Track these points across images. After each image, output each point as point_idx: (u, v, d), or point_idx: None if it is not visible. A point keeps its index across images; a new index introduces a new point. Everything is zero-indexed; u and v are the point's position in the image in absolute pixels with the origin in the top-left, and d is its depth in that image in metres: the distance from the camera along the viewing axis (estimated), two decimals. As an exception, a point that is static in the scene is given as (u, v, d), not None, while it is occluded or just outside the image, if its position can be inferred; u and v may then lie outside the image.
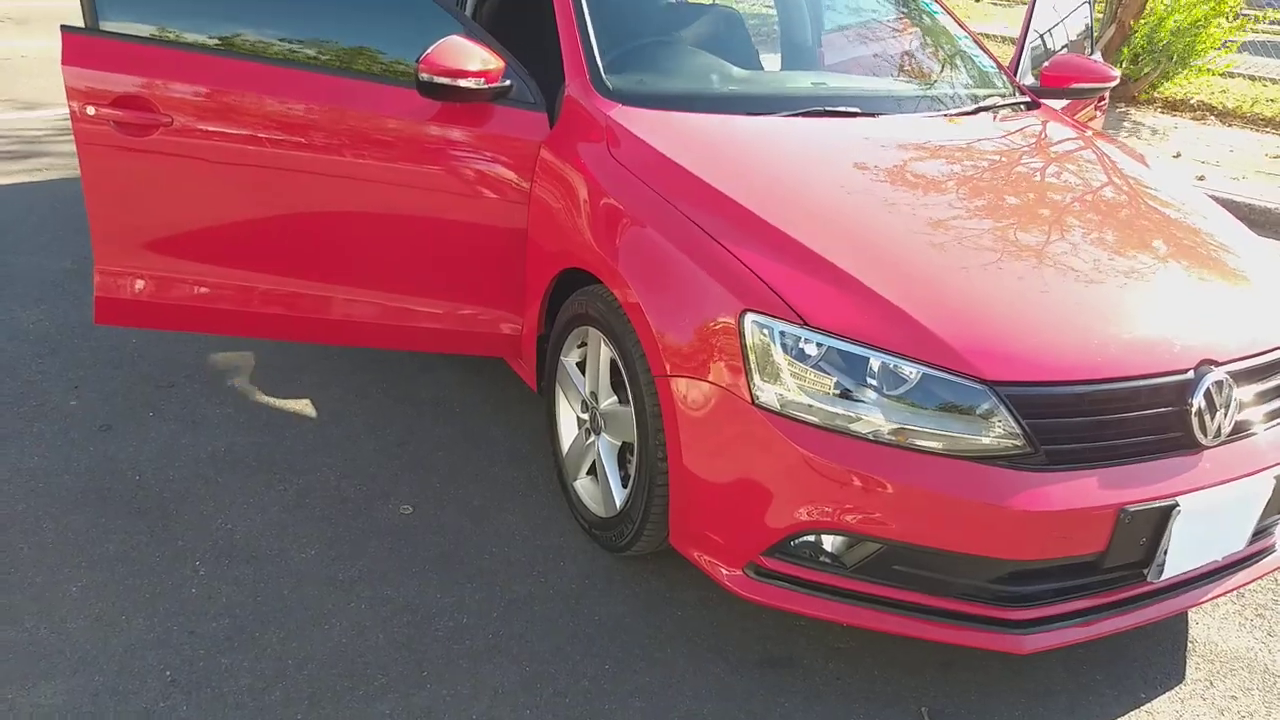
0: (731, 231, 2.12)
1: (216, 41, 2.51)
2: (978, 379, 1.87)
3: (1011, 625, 1.97)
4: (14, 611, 2.14)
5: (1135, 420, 1.97)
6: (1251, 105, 8.71)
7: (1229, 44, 8.56)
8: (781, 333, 1.94)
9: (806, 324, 1.93)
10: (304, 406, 3.06)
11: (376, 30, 2.60)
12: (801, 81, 3.02)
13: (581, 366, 2.54)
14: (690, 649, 2.20)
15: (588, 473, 2.55)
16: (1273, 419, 2.15)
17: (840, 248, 2.08)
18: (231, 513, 2.53)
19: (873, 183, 2.40)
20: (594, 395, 2.46)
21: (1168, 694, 2.20)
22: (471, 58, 2.47)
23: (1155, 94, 8.77)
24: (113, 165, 2.51)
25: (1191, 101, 8.75)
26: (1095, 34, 8.92)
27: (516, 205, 2.66)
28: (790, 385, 1.93)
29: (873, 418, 1.89)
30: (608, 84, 2.63)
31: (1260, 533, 2.25)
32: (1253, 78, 9.99)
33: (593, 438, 2.49)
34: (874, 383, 1.90)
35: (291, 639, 2.13)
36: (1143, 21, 8.36)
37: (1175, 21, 8.29)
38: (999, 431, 1.88)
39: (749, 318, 1.96)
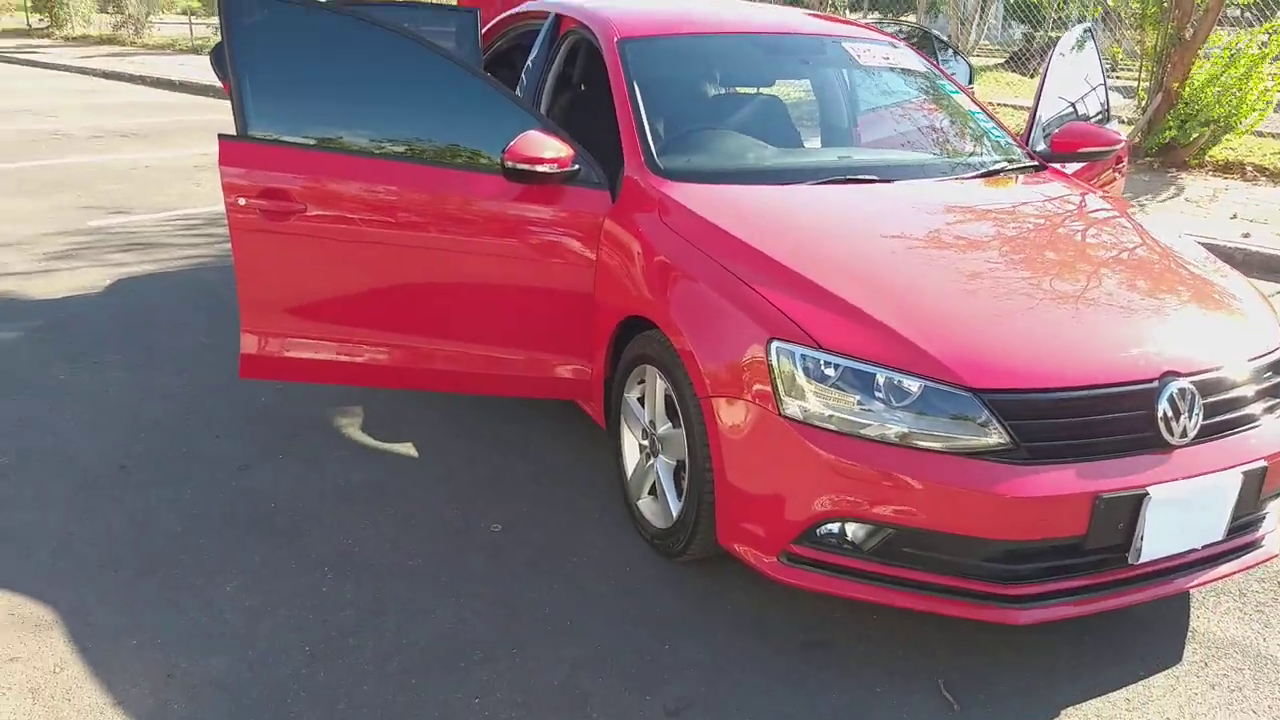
0: (760, 277, 2.56)
1: (339, 142, 3.08)
2: (966, 388, 2.26)
3: (1008, 600, 2.31)
4: (180, 605, 2.62)
5: (1106, 421, 2.32)
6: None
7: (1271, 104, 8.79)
8: (802, 355, 2.36)
9: (821, 347, 2.35)
10: (408, 449, 3.55)
11: (467, 129, 3.14)
12: (829, 156, 3.49)
13: (641, 401, 2.97)
14: (738, 635, 2.57)
15: (649, 492, 2.97)
16: (1241, 423, 2.47)
17: (850, 285, 2.50)
18: (352, 533, 3.00)
19: (881, 233, 2.83)
20: (652, 423, 2.89)
21: (1164, 672, 2.49)
22: (547, 147, 2.99)
23: (1206, 158, 9.01)
24: (258, 245, 3.07)
25: (1243, 164, 8.97)
26: (1143, 103, 9.25)
27: (585, 269, 3.14)
28: (810, 398, 2.34)
29: (879, 423, 2.29)
30: (659, 164, 3.12)
31: (1243, 527, 2.55)
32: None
33: (652, 460, 2.91)
34: (880, 394, 2.30)
35: (406, 625, 2.57)
36: (1186, 86, 8.68)
37: (1219, 85, 8.59)
38: (986, 432, 2.25)
39: (774, 344, 2.39)
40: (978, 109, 3.82)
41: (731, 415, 2.48)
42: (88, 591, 2.67)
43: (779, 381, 2.37)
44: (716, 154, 3.35)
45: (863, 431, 2.29)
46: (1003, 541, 2.26)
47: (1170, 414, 2.34)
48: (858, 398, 2.31)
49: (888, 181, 3.20)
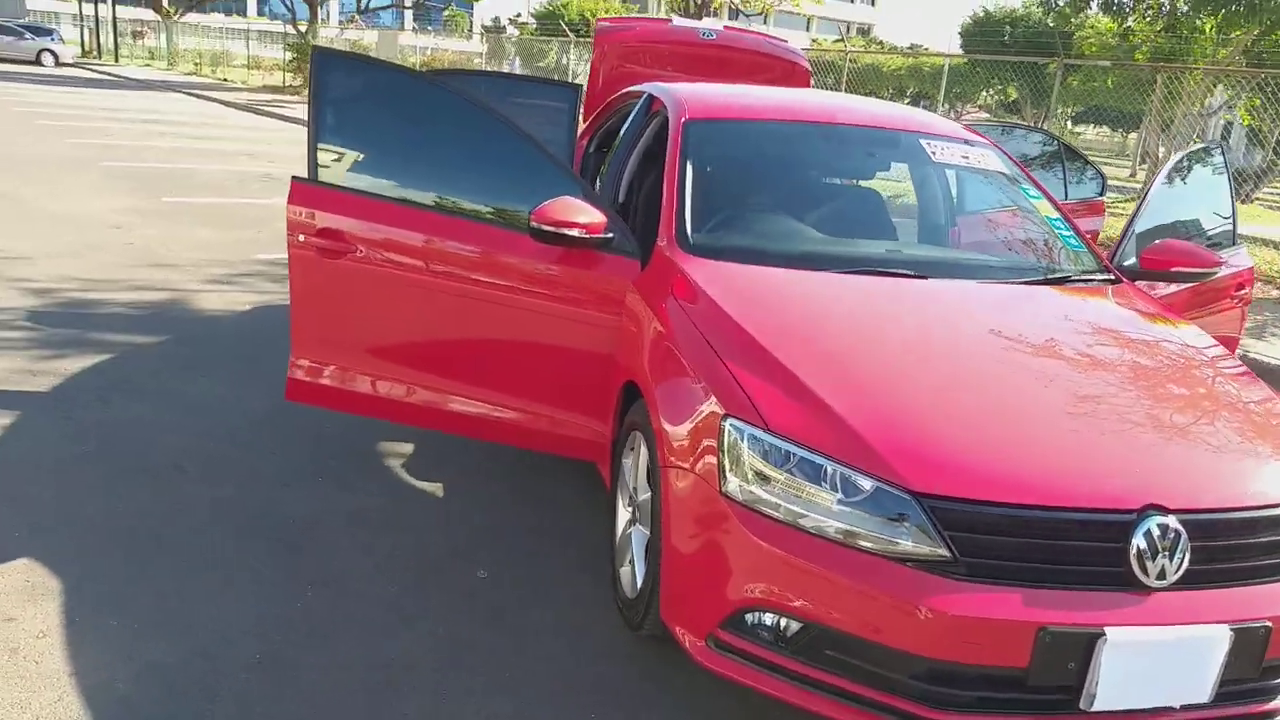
0: (736, 354, 2.54)
1: (393, 192, 3.30)
2: (906, 490, 2.14)
3: (931, 724, 2.14)
4: (163, 595, 2.81)
5: (1067, 549, 2.13)
6: None
7: None
8: (751, 436, 2.31)
9: (769, 429, 2.29)
10: (435, 487, 3.68)
11: (512, 190, 3.30)
12: (872, 248, 3.41)
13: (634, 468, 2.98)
14: (673, 713, 2.50)
15: (629, 561, 2.95)
16: (1242, 576, 2.21)
17: (823, 374, 2.43)
18: (347, 557, 3.13)
19: (883, 327, 2.75)
20: (635, 490, 2.89)
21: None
22: (579, 213, 3.09)
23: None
24: (312, 280, 3.32)
25: None
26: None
27: (608, 334, 3.21)
28: (751, 480, 2.28)
29: (816, 514, 2.20)
30: (690, 239, 3.16)
31: (1247, 694, 2.26)
32: None
33: (632, 528, 2.90)
34: (821, 485, 2.21)
35: (353, 649, 2.66)
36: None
37: None
38: (920, 538, 2.12)
39: (728, 421, 2.35)
40: (1059, 217, 3.64)
41: (680, 486, 2.45)
42: (98, 570, 2.91)
43: (725, 458, 2.33)
44: (750, 234, 3.35)
45: (799, 521, 2.21)
46: (929, 659, 2.11)
47: (1146, 551, 2.13)
48: (798, 486, 2.23)
49: (922, 278, 3.10)
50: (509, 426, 3.40)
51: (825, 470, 2.22)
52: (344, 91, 3.37)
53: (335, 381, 3.43)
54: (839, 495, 2.20)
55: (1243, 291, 4.28)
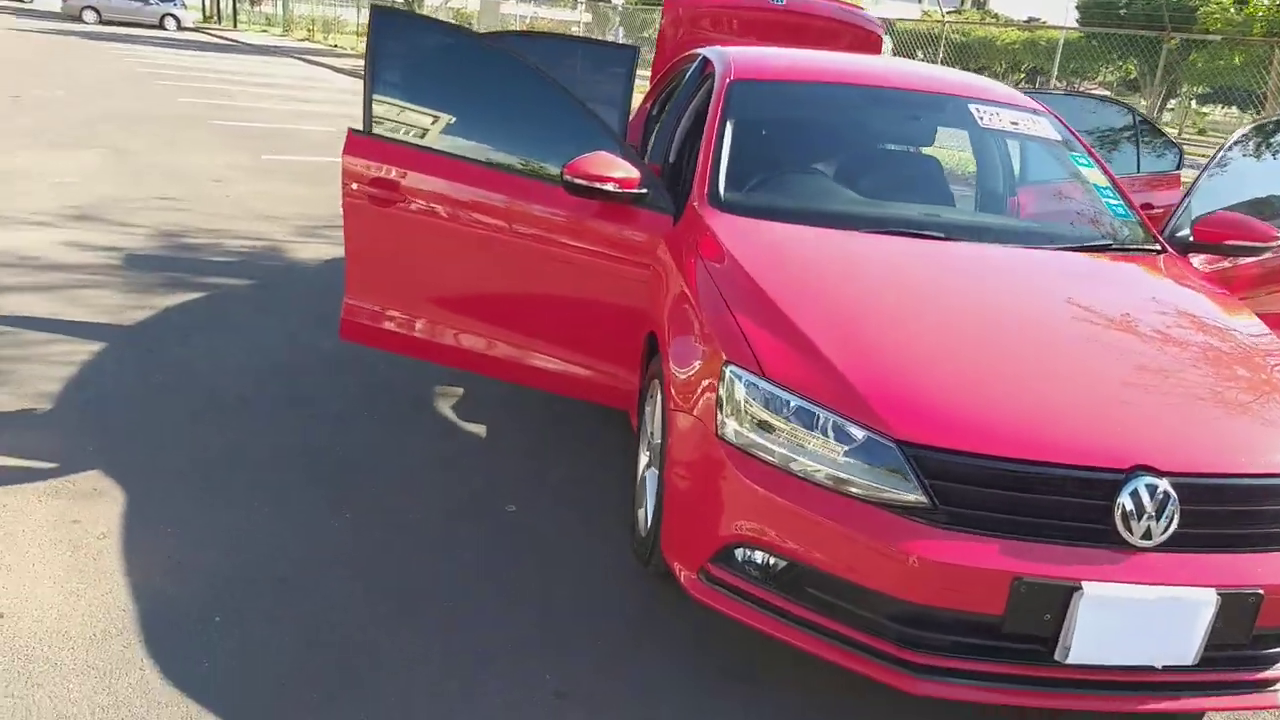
0: (745, 306, 2.61)
1: (442, 146, 3.45)
2: (890, 437, 2.20)
3: (908, 666, 2.20)
4: (214, 510, 3.05)
5: (1051, 504, 2.16)
6: None
7: None
8: (748, 382, 2.39)
9: (765, 376, 2.37)
10: (479, 429, 3.86)
11: (555, 146, 3.40)
12: (907, 210, 3.41)
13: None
14: (668, 648, 2.63)
15: (645, 502, 3.06)
16: (1238, 543, 2.20)
17: (826, 326, 2.49)
18: (384, 489, 3.33)
19: (897, 284, 2.78)
20: (652, 435, 3.00)
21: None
22: (614, 167, 3.19)
23: None
24: (364, 227, 3.50)
25: None
26: None
27: (639, 286, 3.31)
28: (745, 424, 2.36)
29: (805, 459, 2.27)
30: (721, 196, 3.23)
31: (1240, 661, 2.26)
32: None
33: (648, 472, 3.01)
34: (811, 431, 2.28)
35: (374, 568, 2.85)
36: None
37: None
38: (902, 485, 2.18)
39: (728, 368, 2.44)
40: (1109, 186, 3.58)
41: (682, 429, 2.55)
42: (159, 486, 3.17)
43: (723, 403, 2.41)
44: (783, 193, 3.39)
45: (789, 465, 2.29)
46: (905, 602, 2.17)
47: (1132, 511, 2.14)
48: (790, 431, 2.30)
49: (951, 240, 3.11)
50: (546, 373, 3.54)
51: (817, 418, 2.29)
52: (399, 48, 3.52)
53: (384, 324, 3.62)
54: (829, 442, 2.26)
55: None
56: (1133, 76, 28.48)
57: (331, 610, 2.63)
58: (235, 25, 39.31)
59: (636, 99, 5.26)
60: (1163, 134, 5.13)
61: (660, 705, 2.41)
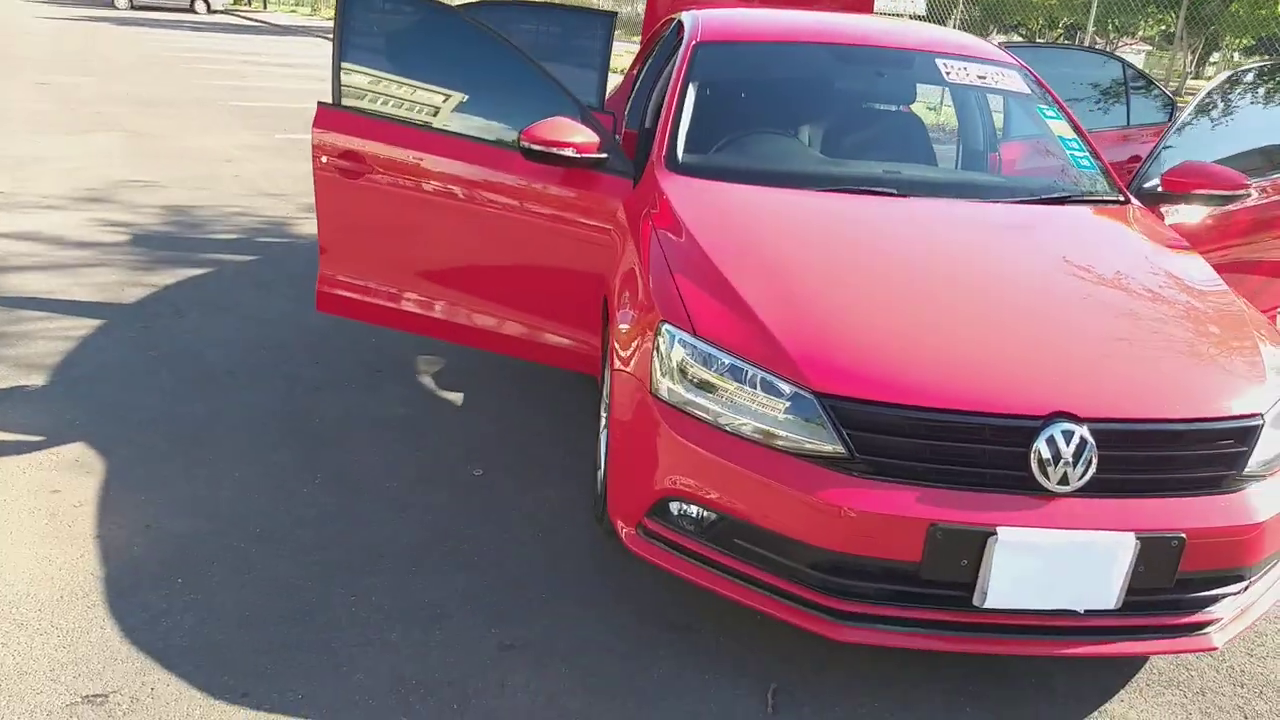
0: (687, 267, 2.65)
1: (410, 117, 3.51)
2: (809, 389, 2.23)
3: (833, 613, 2.25)
4: (190, 477, 3.16)
5: (968, 451, 2.19)
6: None
7: None
8: (680, 340, 2.43)
9: (696, 334, 2.41)
10: (456, 397, 3.95)
11: (518, 113, 3.45)
12: (866, 168, 3.41)
13: (612, 376, 3.14)
14: (615, 601, 2.70)
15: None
16: (1157, 487, 2.22)
17: (759, 284, 2.52)
18: (358, 454, 3.43)
19: (836, 241, 2.81)
20: (605, 396, 3.05)
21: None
22: (572, 132, 3.22)
23: None
24: (334, 199, 3.57)
25: None
26: None
27: (599, 251, 3.35)
28: (678, 381, 2.41)
29: (730, 413, 2.31)
30: (679, 159, 3.25)
31: (1169, 605, 2.28)
32: None
33: (604, 433, 3.07)
34: (737, 386, 2.32)
35: (345, 532, 2.94)
36: None
37: None
38: (822, 436, 2.21)
39: (664, 326, 2.48)
40: (1075, 138, 3.55)
41: (622, 388, 2.60)
42: (139, 456, 3.29)
43: (657, 362, 2.46)
44: (740, 154, 3.41)
45: (718, 420, 2.33)
46: (825, 550, 2.21)
47: (1049, 458, 2.16)
48: (719, 387, 2.34)
49: (903, 196, 3.11)
50: (517, 340, 3.60)
51: (744, 373, 2.32)
52: (367, 19, 3.58)
53: (356, 295, 3.70)
54: (755, 396, 2.30)
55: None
56: (1172, 29, 27.70)
57: (291, 570, 2.73)
58: (265, 6, 39.57)
59: (618, 65, 5.28)
60: (1155, 85, 5.04)
61: (604, 656, 2.48)
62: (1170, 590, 2.25)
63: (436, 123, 3.52)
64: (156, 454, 3.31)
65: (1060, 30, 34.86)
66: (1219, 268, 3.81)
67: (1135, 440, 2.22)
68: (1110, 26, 28.06)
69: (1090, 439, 2.17)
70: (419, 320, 3.68)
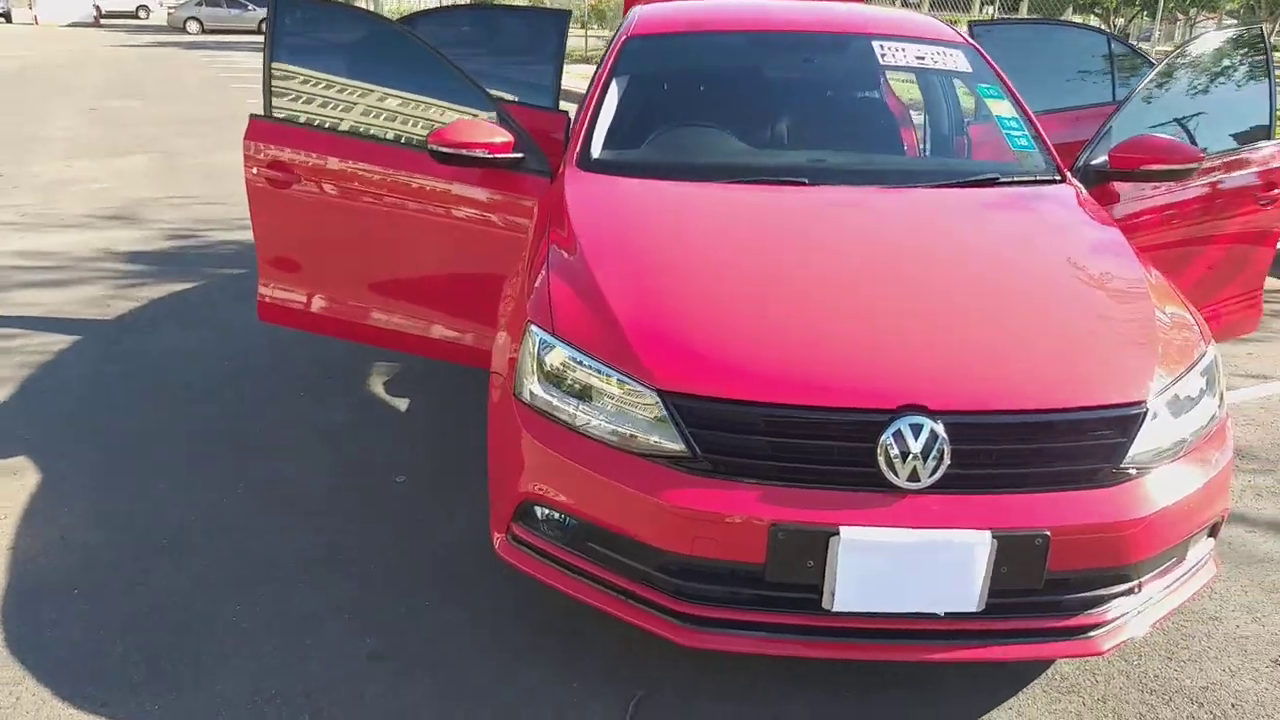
0: (563, 265, 2.58)
1: (339, 126, 3.52)
2: (653, 387, 2.16)
3: (679, 617, 2.17)
4: (114, 488, 3.22)
5: (815, 448, 2.09)
6: None
7: None
8: (542, 340, 2.38)
9: (555, 334, 2.35)
10: (402, 404, 3.96)
11: (444, 118, 3.45)
12: (786, 158, 3.29)
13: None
14: (497, 605, 2.66)
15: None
16: (1019, 483, 2.10)
17: (627, 282, 2.43)
18: (290, 462, 3.45)
19: (717, 234, 2.71)
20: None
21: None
22: (483, 133, 3.19)
23: None
24: (270, 209, 3.59)
25: None
26: None
27: (515, 250, 3.32)
28: (538, 383, 2.35)
29: (583, 414, 2.25)
30: (591, 155, 3.19)
31: (1036, 608, 2.15)
32: None
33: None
34: (591, 386, 2.25)
35: (249, 541, 2.96)
36: None
37: None
38: (668, 435, 2.14)
39: (530, 326, 2.43)
40: (1015, 117, 3.38)
41: (492, 391, 2.56)
42: (75, 468, 3.36)
43: (522, 362, 2.41)
44: (655, 150, 3.32)
45: (574, 422, 2.26)
46: (673, 553, 2.14)
47: (896, 453, 2.05)
48: (574, 388, 2.28)
49: (815, 185, 3.00)
50: (452, 346, 3.59)
51: (597, 372, 2.26)
52: (299, 30, 3.62)
53: (294, 304, 3.72)
54: (606, 396, 2.23)
55: (1274, 192, 3.80)
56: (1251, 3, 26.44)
57: (187, 581, 2.75)
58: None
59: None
60: (1143, 58, 4.79)
61: (474, 666, 2.44)
62: (1041, 591, 2.11)
63: (364, 130, 3.52)
64: (91, 466, 3.38)
65: (1136, 7, 33.53)
66: (1170, 248, 3.62)
67: (992, 433, 2.10)
68: (1189, 1, 26.89)
69: (942, 433, 2.05)
70: (355, 329, 3.69)
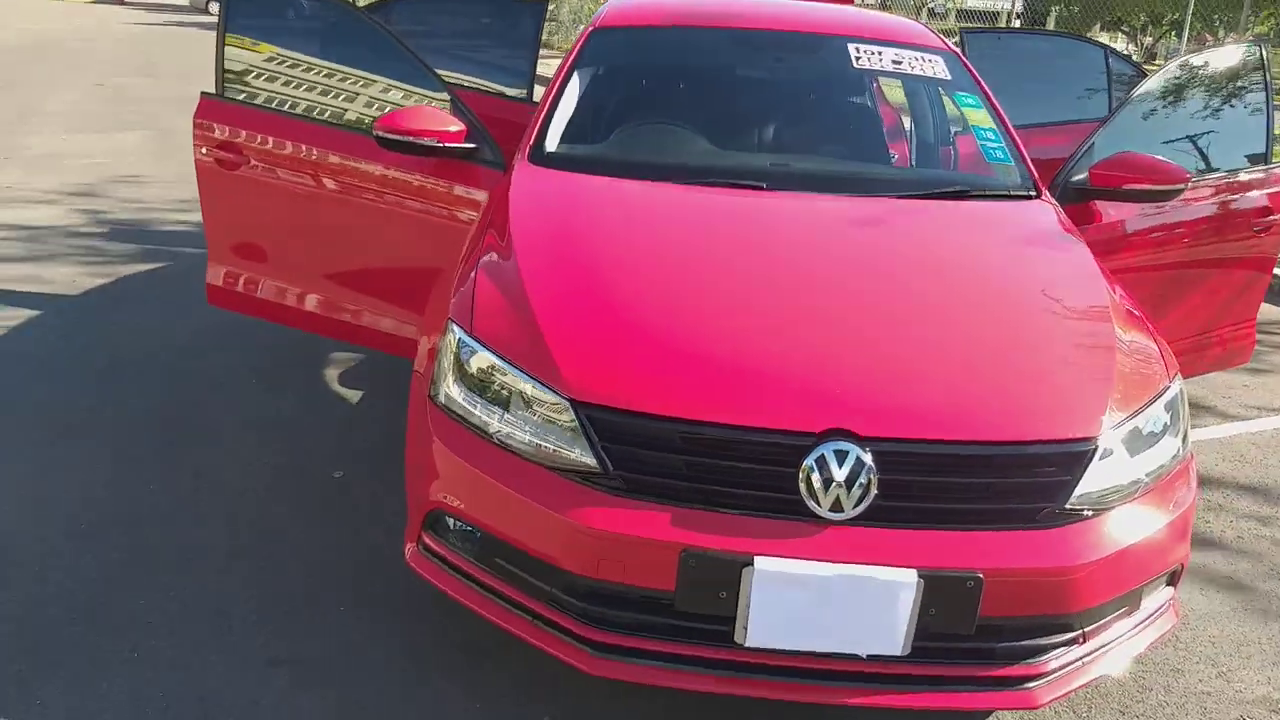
0: (491, 263, 2.46)
1: (283, 106, 3.41)
2: (566, 396, 2.03)
3: (586, 642, 2.04)
4: (69, 474, 3.12)
5: (733, 470, 1.96)
6: None
7: None
8: (460, 340, 2.25)
9: (473, 335, 2.22)
10: (353, 394, 3.85)
11: (396, 103, 3.33)
12: (744, 160, 3.15)
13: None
14: (418, 619, 2.54)
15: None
16: (947, 518, 1.96)
17: (549, 282, 2.31)
18: (227, 451, 3.34)
19: (664, 239, 2.59)
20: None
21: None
22: (433, 122, 3.07)
23: None
24: (216, 190, 3.48)
25: None
26: None
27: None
28: (453, 385, 2.23)
29: (495, 420, 2.12)
30: (544, 149, 3.06)
31: (966, 655, 2.01)
32: None
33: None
34: (504, 392, 2.13)
35: (178, 531, 2.85)
36: None
37: None
38: (578, 448, 2.01)
39: (450, 323, 2.30)
40: (993, 127, 3.23)
41: (411, 390, 2.44)
42: (6, 450, 3.26)
43: (439, 363, 2.29)
44: (611, 146, 3.19)
45: (486, 427, 2.14)
46: (578, 575, 2.01)
47: (819, 480, 1.91)
48: (486, 391, 2.16)
49: (772, 191, 2.86)
50: (398, 339, 3.46)
51: (509, 377, 2.13)
52: (253, 9, 3.50)
53: (243, 288, 3.61)
54: (519, 402, 2.11)
55: (1270, 219, 3.64)
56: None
57: (96, 569, 2.64)
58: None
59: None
60: (1143, 72, 4.63)
61: (376, 678, 2.32)
62: (973, 637, 1.97)
63: (316, 114, 3.42)
64: (20, 448, 3.27)
65: (1165, 27, 33.20)
66: (1158, 271, 3.46)
67: (924, 464, 1.96)
68: (1218, 22, 26.61)
69: (870, 461, 1.92)
70: (301, 316, 3.58)
